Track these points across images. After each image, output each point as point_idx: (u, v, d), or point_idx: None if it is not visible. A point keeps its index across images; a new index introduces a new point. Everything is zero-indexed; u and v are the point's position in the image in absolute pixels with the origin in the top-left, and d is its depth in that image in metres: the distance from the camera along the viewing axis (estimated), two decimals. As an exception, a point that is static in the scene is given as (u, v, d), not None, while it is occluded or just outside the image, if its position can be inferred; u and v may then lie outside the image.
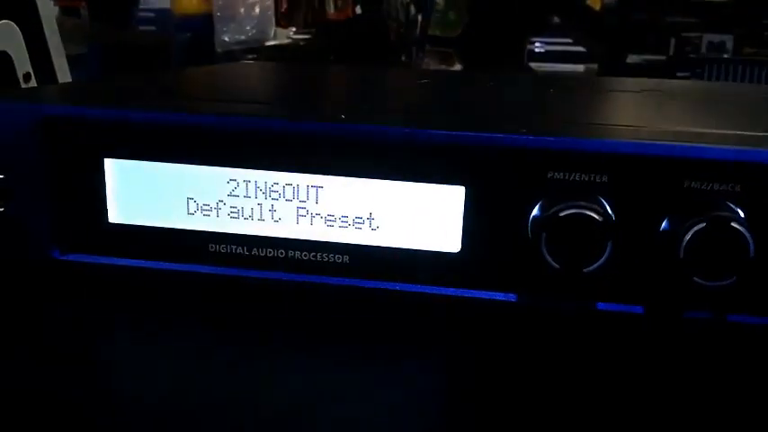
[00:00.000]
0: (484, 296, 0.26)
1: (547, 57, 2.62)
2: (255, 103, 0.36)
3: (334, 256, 0.27)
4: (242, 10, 1.17)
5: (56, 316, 0.27)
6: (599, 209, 0.24)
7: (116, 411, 0.21)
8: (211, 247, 0.28)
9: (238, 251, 0.28)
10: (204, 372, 0.23)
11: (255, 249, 0.28)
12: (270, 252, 0.28)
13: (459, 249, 0.26)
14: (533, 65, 2.58)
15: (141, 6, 1.81)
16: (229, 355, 0.24)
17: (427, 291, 0.27)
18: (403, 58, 2.20)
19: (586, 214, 0.24)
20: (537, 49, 2.69)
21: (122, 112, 0.27)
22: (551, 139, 0.24)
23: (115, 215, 0.28)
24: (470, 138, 0.25)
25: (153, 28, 1.88)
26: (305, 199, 0.27)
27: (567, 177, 0.25)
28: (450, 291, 0.27)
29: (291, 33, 1.43)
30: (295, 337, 0.26)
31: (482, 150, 0.25)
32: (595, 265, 0.24)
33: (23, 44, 0.51)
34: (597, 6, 2.67)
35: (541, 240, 0.24)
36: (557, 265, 0.24)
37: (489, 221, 0.26)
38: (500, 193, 0.25)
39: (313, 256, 0.27)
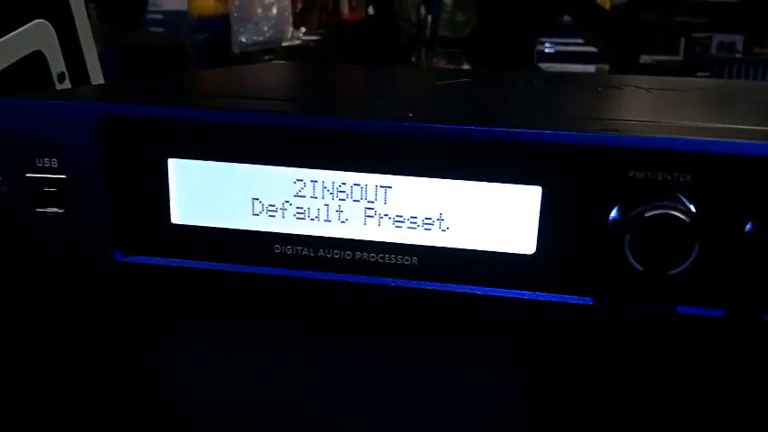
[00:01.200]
0: (558, 299, 0.26)
1: (556, 57, 2.61)
2: (313, 101, 0.35)
3: (402, 258, 0.27)
4: (259, 11, 1.17)
5: (117, 318, 0.27)
6: (684, 209, 0.23)
7: (182, 417, 0.20)
8: (276, 249, 0.27)
9: (304, 252, 0.27)
10: (270, 376, 0.22)
11: (322, 251, 0.27)
12: (336, 253, 0.27)
13: (533, 251, 0.26)
14: (543, 65, 2.57)
15: (150, 8, 1.81)
16: (296, 360, 0.24)
17: (499, 293, 0.26)
18: (413, 59, 2.19)
19: (673, 215, 0.23)
20: (546, 50, 2.69)
21: (188, 112, 0.26)
22: (634, 137, 0.24)
23: (178, 216, 0.27)
24: (549, 136, 0.24)
25: (161, 29, 1.88)
26: (373, 199, 0.26)
27: (648, 177, 0.24)
28: (524, 293, 0.26)
29: (301, 34, 1.43)
30: (363, 341, 0.25)
31: (561, 149, 0.24)
32: (680, 268, 0.24)
33: (57, 44, 0.50)
34: (607, 7, 2.66)
35: (625, 241, 0.23)
36: (640, 267, 0.24)
37: (566, 222, 0.25)
38: (578, 193, 0.25)
39: (381, 258, 0.27)
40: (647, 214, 0.23)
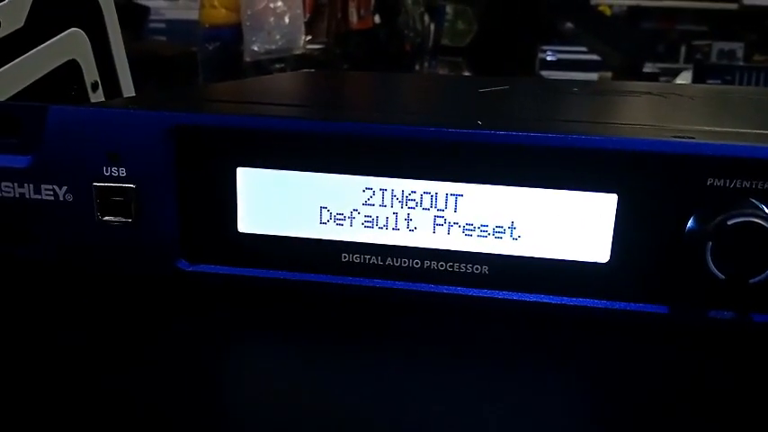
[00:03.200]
0: (633, 308, 0.26)
1: (558, 65, 2.63)
2: (379, 109, 0.35)
3: (472, 267, 0.27)
4: (272, 20, 1.17)
5: (183, 328, 0.26)
6: (766, 216, 0.23)
7: (250, 429, 0.20)
8: (344, 257, 0.27)
9: (372, 261, 0.27)
10: (338, 388, 0.22)
11: (390, 259, 0.27)
12: (405, 262, 0.27)
13: (607, 260, 0.25)
14: (544, 73, 2.58)
15: (153, 17, 1.81)
16: (365, 371, 0.23)
17: (572, 302, 0.26)
18: (417, 68, 2.20)
19: (758, 223, 0.23)
20: (548, 58, 2.70)
21: (259, 120, 0.26)
22: (712, 144, 0.24)
23: (245, 225, 0.27)
24: (626, 143, 0.24)
25: (164, 38, 1.88)
26: (443, 208, 0.26)
27: (727, 184, 0.24)
28: (597, 302, 0.26)
29: (305, 43, 1.43)
30: (433, 351, 0.25)
31: (638, 156, 0.24)
32: (761, 276, 0.23)
33: (91, 53, 0.50)
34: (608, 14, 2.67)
35: (707, 250, 0.23)
36: (722, 276, 0.23)
37: (642, 230, 0.25)
38: (655, 201, 0.25)
39: (450, 267, 0.27)
40: (730, 222, 0.23)
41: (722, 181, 0.24)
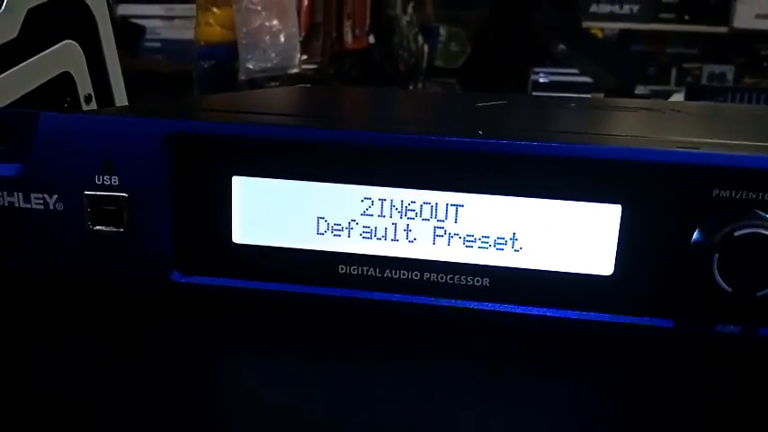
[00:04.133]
0: (636, 322, 0.25)
1: (551, 87, 2.64)
2: (378, 119, 0.34)
3: (473, 279, 0.26)
4: (267, 38, 1.17)
5: (175, 341, 0.25)
6: (773, 228, 0.23)
7: None
8: (341, 269, 0.26)
9: (370, 273, 0.26)
10: (334, 401, 0.21)
11: (388, 271, 0.26)
12: (404, 274, 0.26)
13: (611, 272, 0.25)
14: (537, 95, 2.59)
15: (148, 36, 1.81)
16: (362, 386, 0.23)
17: (574, 316, 0.25)
18: (411, 88, 2.21)
19: (765, 234, 0.22)
20: (541, 80, 2.71)
21: (257, 129, 0.26)
22: (718, 155, 0.23)
23: (240, 235, 0.26)
24: (631, 153, 0.24)
25: (159, 57, 1.88)
26: (443, 218, 0.26)
27: (733, 195, 0.24)
28: (601, 316, 0.25)
29: (299, 62, 1.43)
30: (432, 365, 0.24)
31: (643, 167, 0.24)
32: (768, 289, 0.23)
33: (85, 65, 0.50)
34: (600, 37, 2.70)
35: (713, 262, 0.23)
36: (729, 289, 0.23)
37: (647, 242, 0.24)
38: (660, 213, 0.24)
39: (450, 279, 0.26)
40: (737, 233, 0.22)
41: (728, 192, 0.24)
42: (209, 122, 0.26)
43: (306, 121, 0.28)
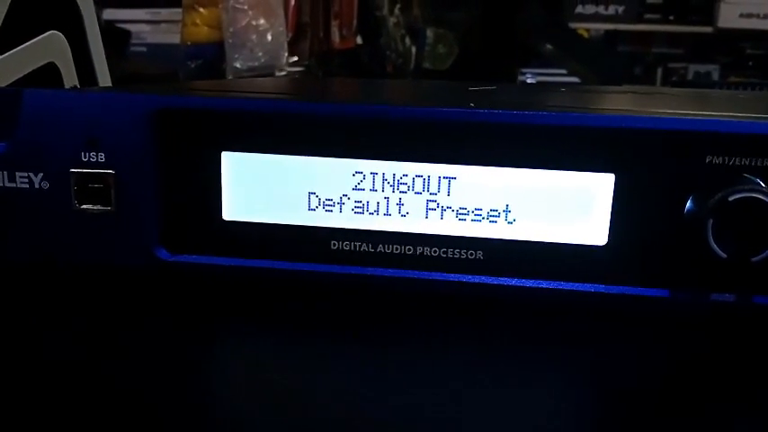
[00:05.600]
0: (632, 292, 0.25)
1: (538, 88, 2.65)
2: (369, 95, 0.34)
3: (466, 252, 0.26)
4: (254, 37, 1.17)
5: (164, 321, 0.25)
6: (767, 191, 0.22)
7: (234, 420, 0.18)
8: (334, 245, 0.26)
9: (363, 248, 0.26)
10: (327, 377, 0.21)
11: (381, 246, 0.26)
12: (397, 249, 0.26)
13: (605, 242, 0.25)
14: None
15: (134, 41, 1.80)
16: (354, 362, 0.22)
17: (569, 287, 0.25)
18: (399, 89, 2.21)
19: (759, 198, 0.22)
20: (528, 80, 2.72)
21: (245, 102, 0.25)
22: (712, 120, 0.23)
23: (230, 212, 0.26)
24: (623, 120, 0.24)
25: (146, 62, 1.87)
26: (435, 191, 0.25)
27: (726, 162, 0.23)
28: (595, 287, 0.25)
29: (287, 63, 1.42)
30: (426, 340, 0.24)
31: (635, 135, 0.24)
32: (763, 255, 0.23)
33: (71, 56, 0.49)
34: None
35: (707, 228, 0.23)
36: (724, 255, 0.23)
37: (641, 211, 0.24)
38: (653, 180, 0.24)
39: (443, 253, 0.26)
40: (731, 198, 0.22)
41: (721, 158, 0.23)
42: (196, 97, 0.25)
43: (295, 97, 0.28)
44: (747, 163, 0.23)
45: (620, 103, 0.36)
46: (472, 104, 0.26)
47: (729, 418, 0.20)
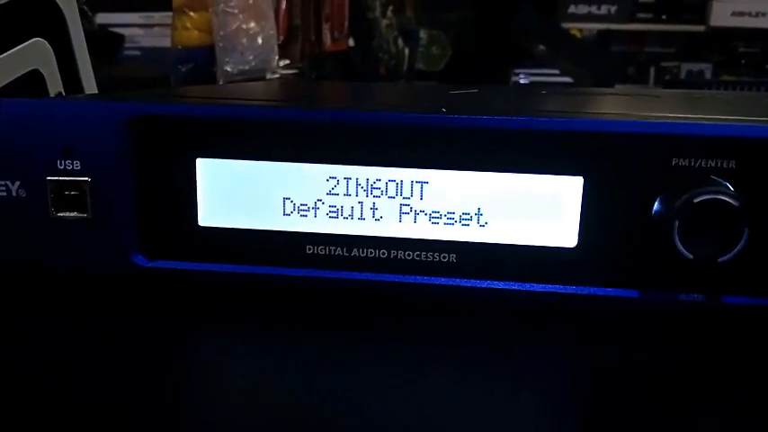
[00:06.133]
0: (602, 293, 0.25)
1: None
2: (344, 100, 0.34)
3: (439, 255, 0.26)
4: (244, 40, 1.17)
5: (141, 327, 0.25)
6: (732, 193, 0.23)
7: (215, 425, 0.19)
8: (309, 249, 0.26)
9: (337, 252, 0.26)
10: (304, 382, 0.21)
11: (356, 250, 0.26)
12: (371, 252, 0.26)
13: (575, 244, 0.25)
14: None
15: (128, 44, 1.80)
16: (330, 365, 0.22)
17: (540, 289, 0.25)
18: (392, 91, 2.21)
19: (723, 200, 0.23)
20: (521, 80, 2.73)
21: (218, 109, 0.26)
22: (679, 123, 0.24)
23: (206, 218, 0.26)
24: (591, 124, 0.24)
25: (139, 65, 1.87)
26: (408, 195, 0.26)
27: (692, 164, 0.24)
28: (566, 288, 0.25)
29: (279, 66, 1.43)
30: (400, 343, 0.24)
31: (603, 138, 0.24)
32: (730, 254, 0.23)
33: (55, 63, 0.49)
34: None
35: (674, 229, 0.23)
36: (690, 256, 0.23)
37: (610, 213, 0.25)
38: (621, 183, 0.24)
39: (417, 256, 0.26)
40: (696, 200, 0.23)
41: (687, 160, 0.24)
42: (170, 104, 0.25)
43: (269, 103, 0.28)
44: (714, 165, 0.24)
45: (596, 106, 0.36)
46: (444, 110, 0.26)
47: (704, 418, 0.20)
